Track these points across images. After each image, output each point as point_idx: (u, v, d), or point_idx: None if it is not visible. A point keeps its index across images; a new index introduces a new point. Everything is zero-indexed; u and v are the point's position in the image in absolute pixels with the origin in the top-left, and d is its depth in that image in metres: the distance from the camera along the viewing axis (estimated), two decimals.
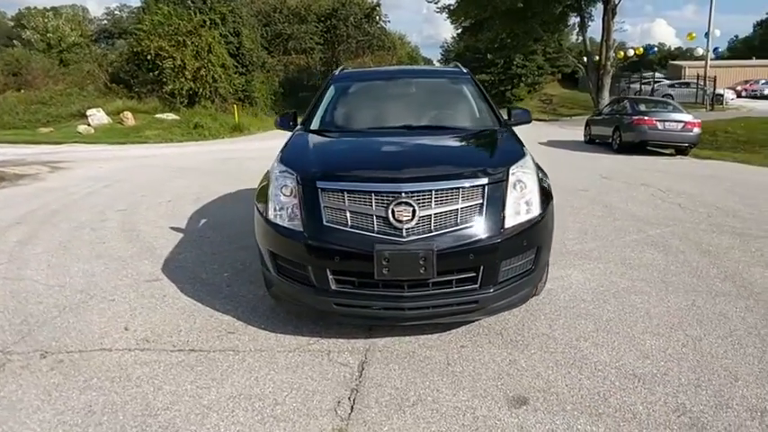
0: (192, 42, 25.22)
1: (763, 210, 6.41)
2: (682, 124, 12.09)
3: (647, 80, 32.14)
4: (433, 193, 2.88)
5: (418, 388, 2.66)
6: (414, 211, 2.83)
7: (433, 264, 2.76)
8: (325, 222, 2.91)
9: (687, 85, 30.51)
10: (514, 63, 45.32)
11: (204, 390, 2.67)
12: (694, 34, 29.47)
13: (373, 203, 2.88)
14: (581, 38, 30.44)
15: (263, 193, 3.36)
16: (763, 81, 34.86)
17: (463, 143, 3.74)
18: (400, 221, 2.83)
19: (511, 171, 3.09)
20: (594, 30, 28.50)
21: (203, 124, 23.24)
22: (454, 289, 2.89)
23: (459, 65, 5.01)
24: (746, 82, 35.68)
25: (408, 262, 2.77)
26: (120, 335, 3.27)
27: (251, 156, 13.33)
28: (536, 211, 3.09)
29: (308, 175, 3.08)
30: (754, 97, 32.69)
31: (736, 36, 79.88)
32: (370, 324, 3.21)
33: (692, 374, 2.74)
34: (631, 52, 33.08)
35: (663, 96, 24.71)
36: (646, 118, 12.25)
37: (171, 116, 24.16)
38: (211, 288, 4.00)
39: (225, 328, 3.33)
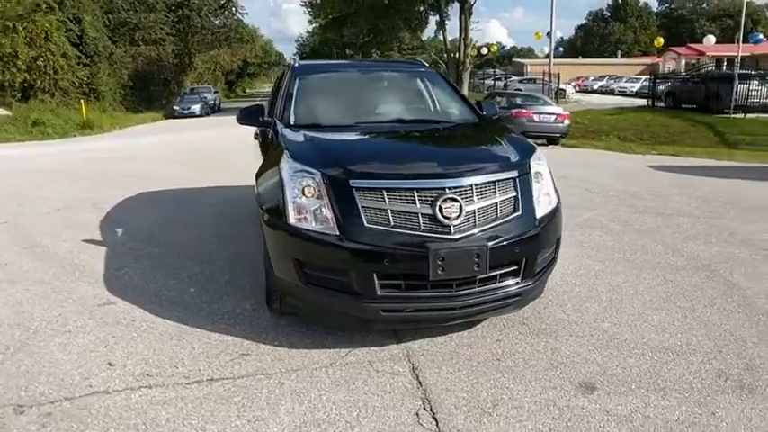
0: (25, 28, 21.89)
1: (655, 191, 7.30)
2: (554, 116, 13.32)
3: (497, 76, 35.00)
4: (474, 187, 2.80)
5: (487, 388, 2.58)
6: (460, 207, 2.73)
7: (486, 260, 2.70)
8: (366, 224, 2.69)
9: (534, 80, 33.71)
10: (372, 59, 46.38)
11: (261, 423, 2.32)
12: (540, 34, 32.79)
13: (417, 201, 2.72)
14: (442, 35, 32.07)
15: (271, 198, 3.00)
16: (592, 78, 40.02)
17: (474, 137, 3.68)
18: (448, 218, 2.71)
19: (531, 163, 3.12)
20: (453, 28, 30.18)
21: (44, 121, 20.31)
22: (498, 284, 2.85)
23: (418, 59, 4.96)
24: (578, 78, 40.50)
25: (464, 259, 2.68)
26: (109, 372, 2.72)
27: (123, 155, 12.01)
28: (555, 201, 3.16)
29: (336, 173, 2.81)
30: (585, 91, 37.25)
31: (562, 38, 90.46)
32: (414, 327, 3.04)
33: (710, 342, 3.02)
34: (485, 50, 35.65)
35: (514, 90, 27.11)
36: (524, 111, 13.29)
37: (2, 111, 20.76)
38: (186, 307, 3.51)
39: (235, 351, 2.93)
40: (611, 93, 35.41)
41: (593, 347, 2.96)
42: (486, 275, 2.78)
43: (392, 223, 2.70)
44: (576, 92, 34.68)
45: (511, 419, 2.35)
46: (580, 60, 47.74)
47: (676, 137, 14.77)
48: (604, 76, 40.55)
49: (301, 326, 3.16)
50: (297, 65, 4.43)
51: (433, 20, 32.53)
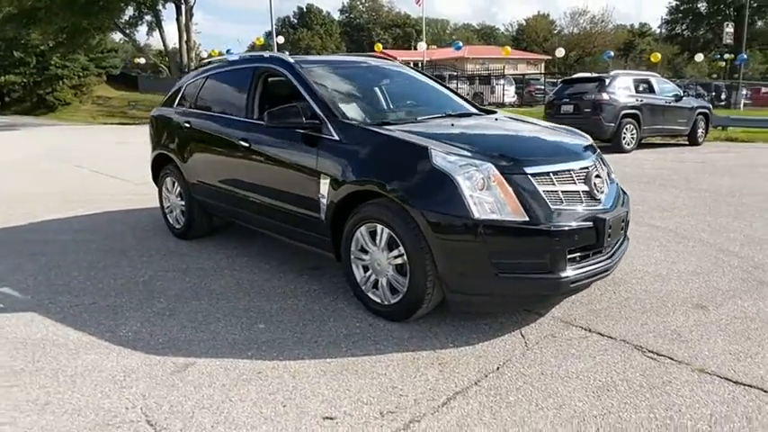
0: None
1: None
2: None
3: None
4: (597, 164, 3.21)
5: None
6: (603, 181, 3.10)
7: (627, 223, 3.14)
8: (551, 206, 2.82)
9: None
10: (52, 62, 39.47)
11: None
12: (217, 51, 33.66)
13: (576, 180, 2.99)
14: (160, 37, 29.64)
15: (430, 203, 2.78)
16: None
17: (530, 123, 3.93)
18: (600, 192, 3.06)
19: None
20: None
21: None
22: (624, 243, 3.32)
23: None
24: None
25: (619, 225, 3.06)
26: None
27: None
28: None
29: (506, 163, 2.84)
30: None
31: (254, 43, 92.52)
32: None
33: None
34: (205, 54, 34.34)
35: None
36: None
37: None
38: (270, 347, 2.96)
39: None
40: None
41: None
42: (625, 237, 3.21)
43: (564, 202, 2.90)
44: None
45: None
46: None
47: None
48: None
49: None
50: (292, 61, 3.95)
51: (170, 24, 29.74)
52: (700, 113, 11.98)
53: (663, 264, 4.03)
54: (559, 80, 14.48)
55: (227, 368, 2.69)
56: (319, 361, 2.74)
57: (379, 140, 3.12)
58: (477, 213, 2.71)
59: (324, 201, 3.33)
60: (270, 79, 4.07)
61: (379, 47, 32.13)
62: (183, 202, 4.84)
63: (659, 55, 30.59)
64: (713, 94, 25.53)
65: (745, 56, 29.33)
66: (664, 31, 52.13)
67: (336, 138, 3.27)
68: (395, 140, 3.06)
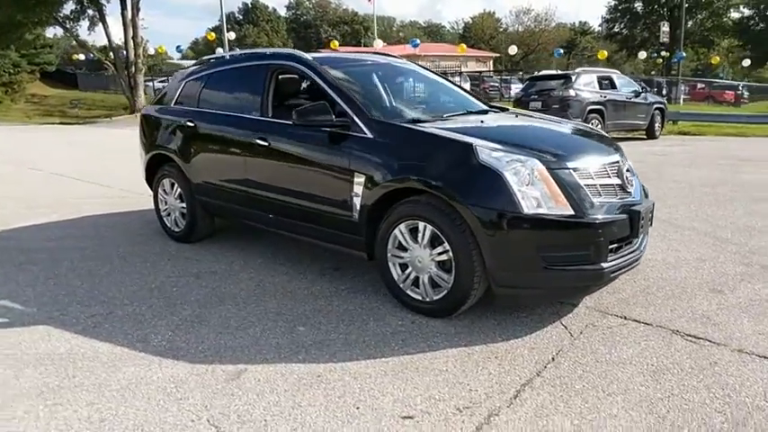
0: None
1: None
2: None
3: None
4: (622, 158, 3.33)
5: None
6: (632, 175, 3.23)
7: (653, 214, 3.28)
8: (594, 200, 2.91)
9: None
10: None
11: None
12: (164, 47, 32.75)
13: (609, 173, 3.10)
14: (105, 33, 28.32)
15: (479, 198, 2.81)
16: None
17: (547, 119, 4.00)
18: (631, 185, 3.19)
19: None
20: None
21: None
22: (641, 240, 3.46)
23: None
24: None
25: (648, 216, 3.20)
26: None
27: None
28: None
29: (549, 158, 2.91)
30: None
31: (197, 39, 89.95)
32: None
33: None
34: (152, 50, 33.06)
35: None
36: None
37: None
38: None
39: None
40: None
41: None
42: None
43: (602, 195, 3.00)
44: None
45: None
46: None
47: None
48: None
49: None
50: (310, 57, 3.88)
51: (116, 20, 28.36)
52: (656, 108, 12.60)
53: (668, 252, 4.23)
54: (526, 78, 14.87)
55: (282, 373, 2.63)
56: (375, 361, 2.72)
57: (420, 138, 3.12)
58: (526, 208, 2.76)
59: (357, 200, 3.30)
60: (285, 77, 3.98)
61: (335, 44, 31.85)
62: (183, 204, 4.67)
63: (606, 53, 31.91)
64: (655, 90, 26.85)
65: (684, 54, 31.03)
66: (603, 29, 54.31)
67: (370, 136, 3.25)
68: (437, 138, 3.08)
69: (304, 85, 4.21)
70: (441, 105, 4.03)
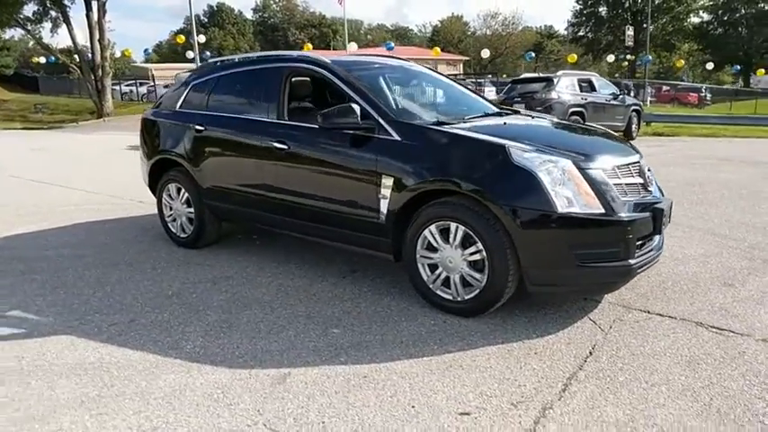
0: None
1: None
2: None
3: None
4: (641, 158, 3.45)
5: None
6: (651, 174, 3.35)
7: (671, 212, 3.40)
8: (623, 198, 3.01)
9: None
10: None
11: None
12: (130, 50, 32.21)
13: (633, 173, 3.20)
14: (69, 35, 27.50)
15: (530, 192, 2.87)
16: None
17: (560, 121, 4.12)
18: (651, 183, 3.30)
19: None
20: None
21: None
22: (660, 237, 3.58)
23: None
24: None
25: (668, 213, 3.31)
26: None
27: None
28: None
29: (579, 159, 2.99)
30: None
31: (160, 42, 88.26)
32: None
33: None
34: (118, 53, 32.29)
35: None
36: None
37: None
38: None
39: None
40: None
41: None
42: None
43: (627, 194, 3.10)
44: None
45: None
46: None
47: None
48: None
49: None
50: (330, 61, 3.88)
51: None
52: (633, 110, 12.99)
53: (674, 248, 4.38)
54: (509, 80, 15.12)
55: (328, 375, 2.64)
56: (418, 360, 2.75)
57: (450, 140, 3.16)
58: (560, 207, 2.83)
59: (384, 202, 3.32)
60: (301, 80, 3.98)
61: (308, 47, 31.70)
62: (190, 210, 4.61)
63: (575, 56, 32.72)
64: (624, 92, 27.71)
65: (650, 57, 32.06)
66: (569, 33, 55.62)
67: (397, 138, 3.28)
68: (469, 139, 3.13)
69: (317, 87, 4.20)
70: (457, 108, 4.08)
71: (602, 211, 2.90)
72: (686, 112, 22.14)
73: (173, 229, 4.84)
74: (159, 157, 4.77)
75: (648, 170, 3.37)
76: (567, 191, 2.87)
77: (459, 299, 3.17)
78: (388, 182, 3.28)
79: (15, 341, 3.11)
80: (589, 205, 2.88)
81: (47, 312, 3.51)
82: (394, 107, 3.49)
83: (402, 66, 4.47)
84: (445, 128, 3.27)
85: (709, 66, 37.25)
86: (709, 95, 32.09)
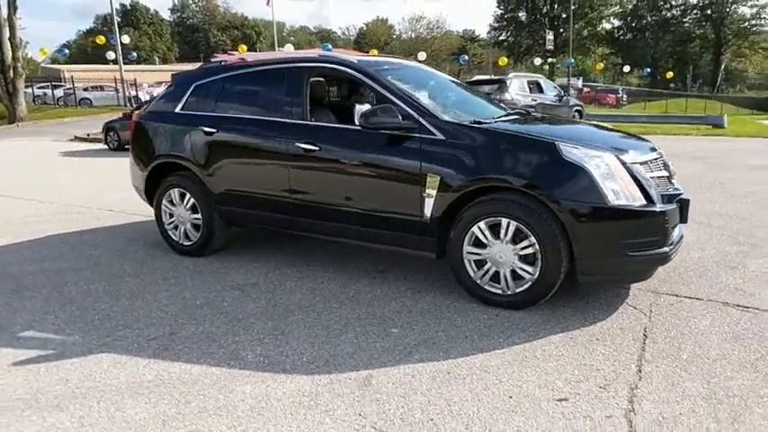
0: None
1: None
2: None
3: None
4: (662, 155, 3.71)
5: None
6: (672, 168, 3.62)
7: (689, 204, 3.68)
8: (658, 191, 3.23)
9: (102, 88, 30.76)
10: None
11: None
12: (46, 49, 30.33)
13: (660, 166, 3.45)
14: None
15: (582, 186, 2.99)
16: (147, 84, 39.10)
17: (571, 122, 4.31)
18: (674, 177, 3.56)
19: None
20: None
21: None
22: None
23: None
24: (159, 83, 38.75)
25: (687, 205, 3.58)
26: None
27: None
28: None
29: (619, 154, 3.18)
30: None
31: (68, 41, 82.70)
32: None
33: None
34: (34, 55, 29.90)
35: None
36: None
37: None
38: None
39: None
40: None
41: None
42: None
43: (659, 187, 3.33)
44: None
45: None
46: (158, 66, 46.17)
47: None
48: (161, 83, 40.30)
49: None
50: (356, 60, 3.84)
51: None
52: (576, 110, 13.76)
53: None
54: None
55: (411, 374, 2.65)
56: (491, 353, 2.82)
57: (498, 138, 3.26)
58: (611, 200, 3.00)
59: (430, 201, 3.36)
60: (324, 80, 3.94)
61: (243, 48, 30.86)
62: (196, 215, 4.42)
63: (506, 59, 34.11)
64: (567, 93, 29.31)
65: (573, 60, 34.03)
66: (491, 37, 57.80)
67: (440, 137, 3.33)
68: (517, 137, 3.23)
69: (341, 88, 4.18)
70: (479, 108, 4.17)
71: (644, 202, 3.10)
72: (606, 111, 23.65)
73: (174, 237, 4.61)
74: (159, 161, 4.53)
75: (671, 164, 3.62)
76: (614, 184, 3.05)
77: (509, 292, 3.27)
78: (433, 181, 3.33)
79: (51, 363, 2.88)
80: (633, 197, 3.07)
81: (67, 330, 3.27)
82: (432, 107, 3.53)
83: (416, 66, 4.52)
84: (491, 126, 3.36)
85: (626, 68, 40.13)
86: (625, 96, 34.65)
